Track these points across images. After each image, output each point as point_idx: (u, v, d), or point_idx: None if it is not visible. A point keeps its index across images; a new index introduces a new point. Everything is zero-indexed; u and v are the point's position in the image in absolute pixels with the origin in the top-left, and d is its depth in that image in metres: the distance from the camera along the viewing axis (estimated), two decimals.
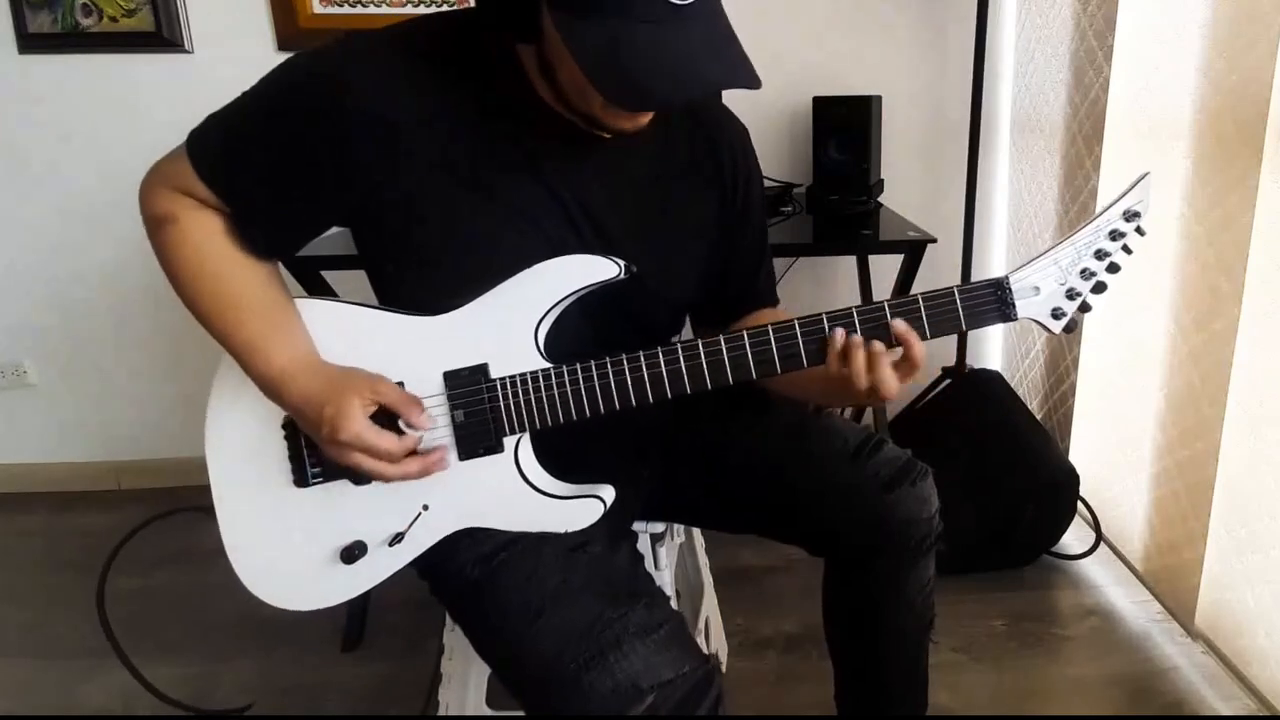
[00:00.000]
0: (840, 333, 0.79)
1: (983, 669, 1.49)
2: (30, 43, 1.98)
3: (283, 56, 1.99)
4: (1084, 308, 0.81)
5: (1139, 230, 0.78)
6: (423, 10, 2.02)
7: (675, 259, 0.91)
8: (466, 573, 0.84)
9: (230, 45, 2.00)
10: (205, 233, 0.82)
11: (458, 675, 1.15)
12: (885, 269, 1.98)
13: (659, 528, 1.08)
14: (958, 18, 2.03)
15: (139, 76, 2.01)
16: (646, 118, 0.78)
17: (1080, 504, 1.78)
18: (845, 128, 1.84)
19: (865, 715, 1.10)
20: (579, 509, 0.85)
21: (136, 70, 2.01)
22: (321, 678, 1.52)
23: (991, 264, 2.26)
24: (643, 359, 0.82)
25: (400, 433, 0.80)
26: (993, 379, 2.02)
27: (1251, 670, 1.35)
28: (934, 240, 1.58)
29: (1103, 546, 1.76)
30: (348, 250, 1.44)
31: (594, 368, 0.82)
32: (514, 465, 0.85)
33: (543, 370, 0.82)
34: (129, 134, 2.04)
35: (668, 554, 1.11)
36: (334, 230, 0.92)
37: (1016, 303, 0.79)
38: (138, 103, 2.03)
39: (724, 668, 1.49)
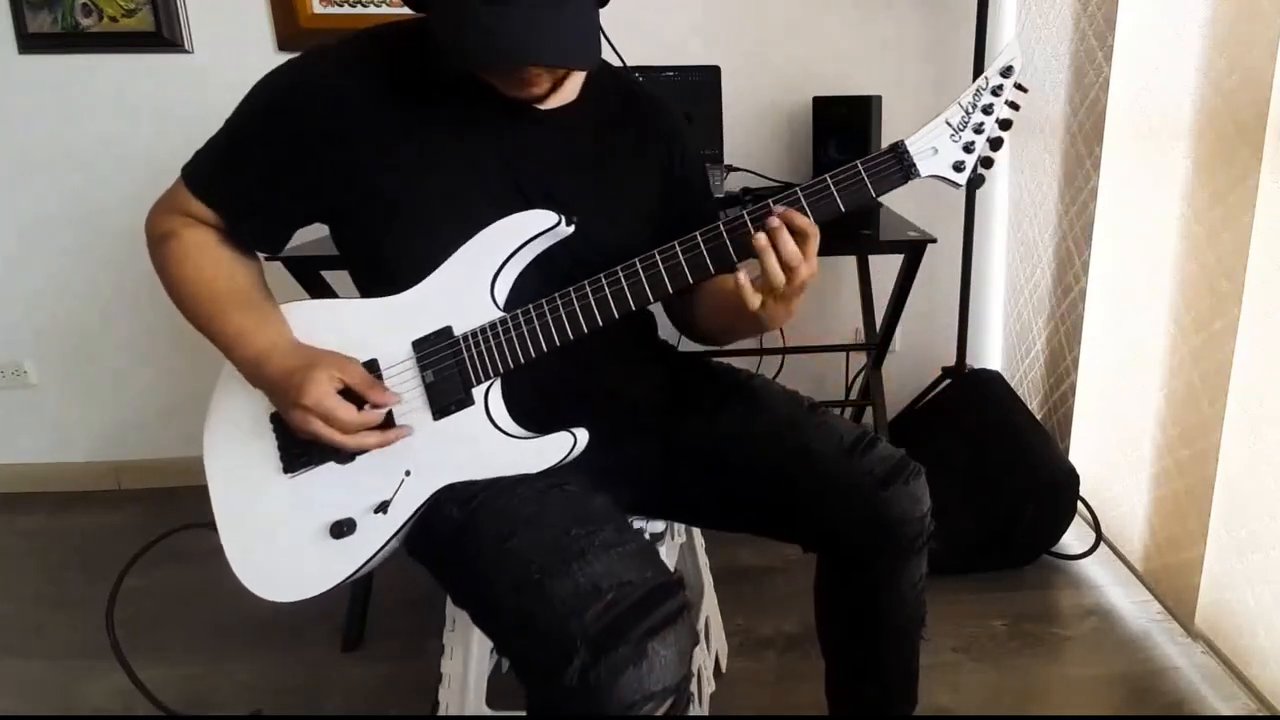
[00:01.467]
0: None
1: (983, 669, 1.49)
2: (30, 43, 1.98)
3: (283, 56, 1.99)
4: (985, 162, 0.87)
5: (1019, 86, 0.86)
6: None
7: (622, 218, 0.97)
8: (447, 517, 0.87)
9: (230, 45, 2.00)
10: (198, 243, 0.92)
11: (458, 675, 1.15)
12: (886, 268, 1.99)
13: (659, 527, 1.08)
14: (958, 18, 2.03)
15: (139, 76, 2.01)
16: (538, 87, 0.85)
17: (1080, 504, 1.78)
18: (845, 128, 1.84)
19: (861, 713, 1.11)
20: (551, 445, 0.89)
21: (136, 70, 2.01)
22: (321, 678, 1.52)
23: (992, 264, 2.26)
24: (588, 286, 0.87)
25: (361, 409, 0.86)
26: (993, 379, 2.02)
27: (1251, 670, 1.35)
28: (934, 240, 1.58)
29: (1103, 546, 1.76)
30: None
31: (544, 304, 0.88)
32: (485, 415, 0.89)
33: (499, 318, 0.88)
34: (129, 134, 2.04)
35: (668, 554, 1.11)
36: (327, 232, 0.95)
37: (917, 163, 0.86)
38: (138, 103, 2.03)
39: (724, 668, 1.49)
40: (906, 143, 0.85)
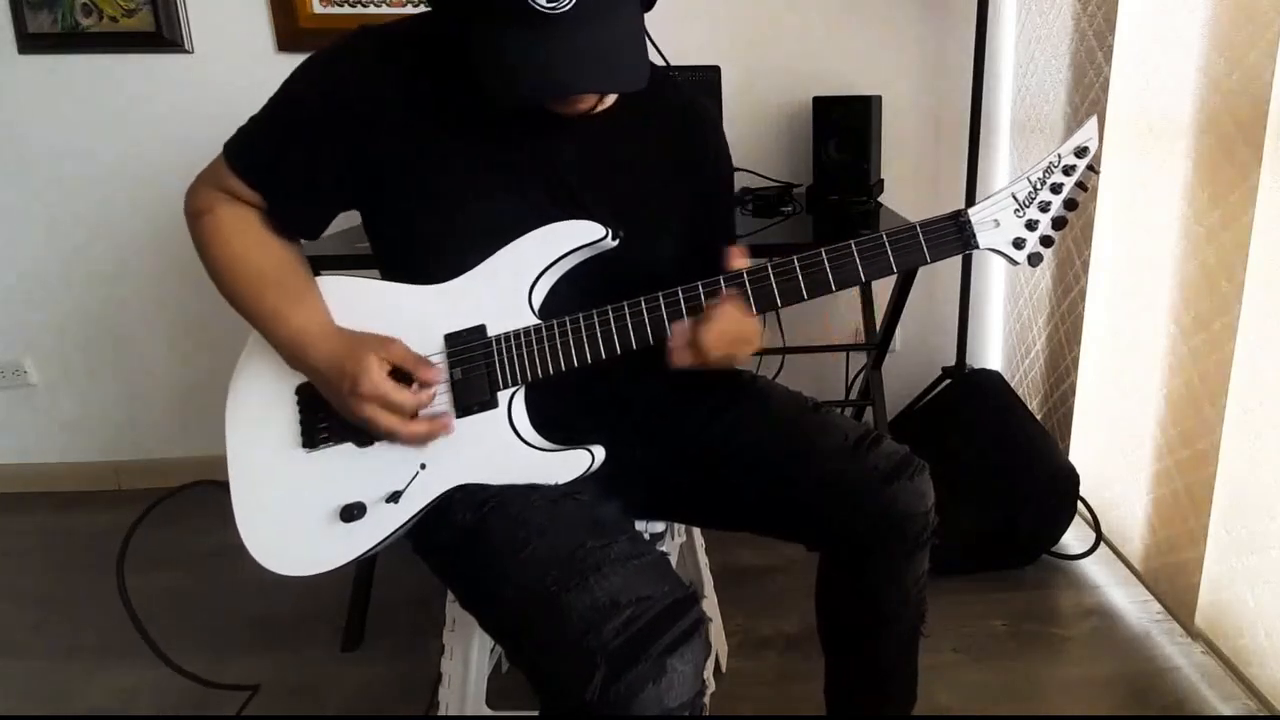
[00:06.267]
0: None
1: (983, 669, 1.49)
2: (30, 43, 1.98)
3: (283, 56, 2.00)
4: (1045, 241, 0.85)
5: (1091, 167, 0.83)
6: (423, 9, 2.02)
7: (653, 230, 0.97)
8: (458, 520, 0.87)
9: (230, 45, 1.99)
10: (237, 220, 0.92)
11: (458, 675, 1.15)
12: None
13: (659, 527, 1.09)
14: (958, 18, 2.03)
15: (139, 76, 2.01)
16: (584, 103, 0.86)
17: (1080, 504, 1.78)
18: (845, 128, 1.84)
19: (861, 712, 1.11)
20: (568, 460, 0.90)
21: (136, 70, 2.01)
22: (321, 678, 1.52)
23: (992, 264, 2.26)
24: (626, 308, 0.88)
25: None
26: (993, 379, 2.02)
27: (1251, 670, 1.35)
28: None
29: (1103, 546, 1.76)
30: (347, 250, 1.44)
31: (581, 319, 0.88)
32: (507, 421, 0.90)
33: (534, 326, 0.88)
34: (129, 134, 2.04)
35: (667, 553, 1.11)
36: (336, 230, 0.94)
37: (978, 234, 0.84)
38: (138, 102, 2.03)
39: (724, 668, 1.49)
40: (969, 212, 0.84)
